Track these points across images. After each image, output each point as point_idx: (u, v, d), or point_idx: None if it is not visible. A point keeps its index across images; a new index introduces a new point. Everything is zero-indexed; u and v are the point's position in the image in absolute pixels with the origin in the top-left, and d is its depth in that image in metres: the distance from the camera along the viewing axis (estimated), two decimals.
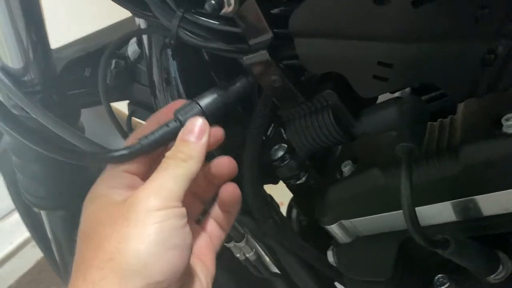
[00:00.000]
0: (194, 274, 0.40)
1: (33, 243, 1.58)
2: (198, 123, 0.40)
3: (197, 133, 0.40)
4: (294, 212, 0.64)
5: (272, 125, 0.55)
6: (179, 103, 0.42)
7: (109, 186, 0.39)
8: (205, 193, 0.44)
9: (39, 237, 1.03)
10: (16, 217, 1.64)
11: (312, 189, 0.54)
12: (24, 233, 1.61)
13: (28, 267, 1.68)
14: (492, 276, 0.43)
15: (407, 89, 0.47)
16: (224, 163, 0.43)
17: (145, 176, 0.40)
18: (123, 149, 0.39)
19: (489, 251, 0.43)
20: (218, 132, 0.42)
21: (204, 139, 0.40)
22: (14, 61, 0.52)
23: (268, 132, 0.55)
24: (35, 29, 0.51)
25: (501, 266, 0.43)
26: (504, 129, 0.39)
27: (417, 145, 0.38)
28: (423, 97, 0.44)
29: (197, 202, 0.44)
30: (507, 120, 0.39)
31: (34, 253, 1.63)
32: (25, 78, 0.53)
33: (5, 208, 1.67)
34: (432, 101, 0.44)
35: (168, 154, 0.39)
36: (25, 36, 0.50)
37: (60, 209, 0.72)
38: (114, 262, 0.34)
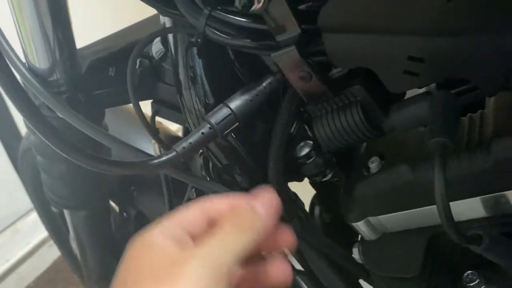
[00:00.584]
0: None
1: (50, 243, 1.60)
2: (271, 197, 0.38)
3: (269, 206, 0.37)
4: (317, 210, 0.64)
5: (295, 122, 0.55)
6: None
7: (159, 235, 0.36)
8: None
9: (57, 236, 1.05)
10: (33, 217, 1.65)
11: (337, 186, 0.54)
12: (41, 233, 1.62)
13: (45, 267, 1.69)
14: None
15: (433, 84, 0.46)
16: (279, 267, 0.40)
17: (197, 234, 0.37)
18: (160, 156, 0.40)
19: None
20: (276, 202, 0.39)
21: (275, 215, 0.38)
22: (41, 61, 0.53)
23: (292, 129, 0.54)
24: (62, 29, 0.51)
25: None
26: None
27: (451, 140, 0.38)
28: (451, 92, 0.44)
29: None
30: None
31: (52, 253, 1.65)
32: (52, 78, 0.54)
33: (22, 209, 1.68)
34: (460, 95, 0.44)
35: (232, 220, 0.36)
36: (52, 36, 0.51)
37: (83, 209, 0.73)
38: None
